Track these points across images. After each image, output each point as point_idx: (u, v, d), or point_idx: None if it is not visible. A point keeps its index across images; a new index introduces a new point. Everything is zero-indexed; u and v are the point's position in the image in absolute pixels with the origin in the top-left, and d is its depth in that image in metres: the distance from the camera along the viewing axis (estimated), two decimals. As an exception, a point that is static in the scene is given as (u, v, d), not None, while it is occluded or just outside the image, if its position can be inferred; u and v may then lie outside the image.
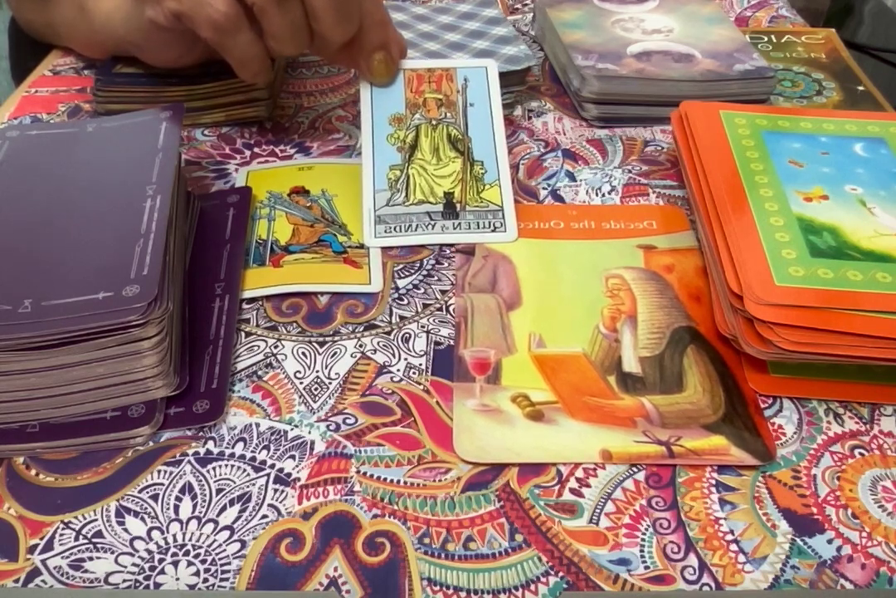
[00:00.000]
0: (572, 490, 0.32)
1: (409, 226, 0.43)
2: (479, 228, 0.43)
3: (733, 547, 0.30)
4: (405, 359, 0.37)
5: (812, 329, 0.33)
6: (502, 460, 0.32)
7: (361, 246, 0.43)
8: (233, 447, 0.33)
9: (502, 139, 0.45)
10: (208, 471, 0.32)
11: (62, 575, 0.29)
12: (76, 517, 0.31)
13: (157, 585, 0.29)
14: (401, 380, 0.36)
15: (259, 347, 0.38)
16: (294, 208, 0.45)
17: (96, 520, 0.31)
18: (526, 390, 0.35)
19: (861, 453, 0.33)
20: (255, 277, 0.40)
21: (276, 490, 0.32)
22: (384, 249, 0.43)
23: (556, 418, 0.34)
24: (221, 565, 0.29)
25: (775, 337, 0.33)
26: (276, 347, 0.38)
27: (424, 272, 0.42)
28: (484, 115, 0.46)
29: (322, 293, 0.40)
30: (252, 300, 0.40)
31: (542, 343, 0.37)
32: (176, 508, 0.31)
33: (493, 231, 0.43)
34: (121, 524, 0.30)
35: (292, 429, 0.34)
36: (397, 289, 0.41)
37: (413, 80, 0.46)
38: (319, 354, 0.37)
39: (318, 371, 0.36)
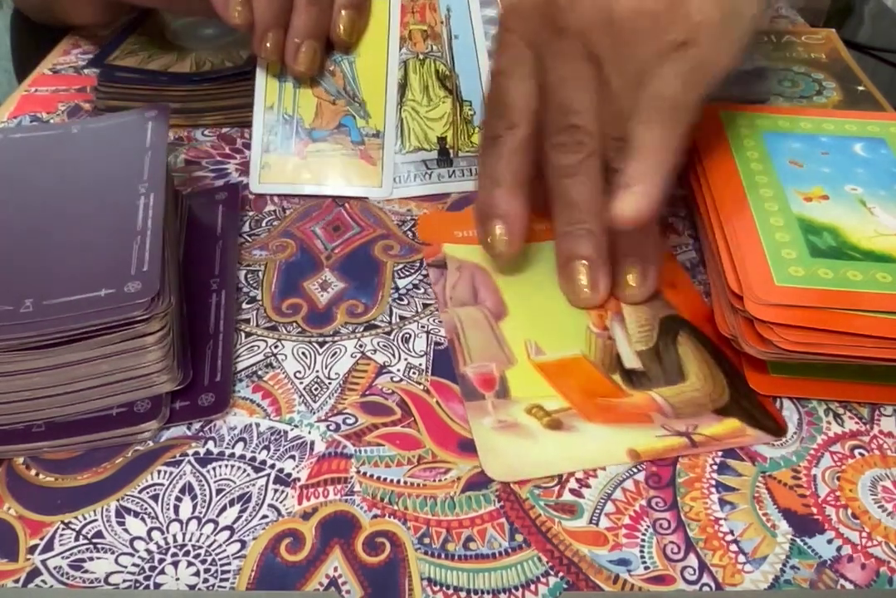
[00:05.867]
0: (572, 491, 0.32)
1: (407, 176, 0.44)
2: (472, 175, 0.44)
3: (733, 547, 0.30)
4: (405, 359, 0.37)
5: (812, 329, 0.33)
6: (535, 476, 0.32)
7: (377, 134, 0.44)
8: (233, 447, 0.33)
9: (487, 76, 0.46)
10: (208, 471, 0.32)
11: (62, 575, 0.29)
12: (76, 518, 0.31)
13: (157, 585, 0.29)
14: (401, 380, 0.36)
15: (259, 347, 0.38)
16: (319, 75, 0.45)
17: (96, 520, 0.31)
18: (538, 400, 0.35)
19: (861, 454, 0.33)
20: (277, 167, 0.42)
21: (276, 490, 0.32)
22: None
23: (575, 424, 0.34)
24: (221, 565, 0.29)
25: (775, 337, 0.33)
26: (276, 347, 0.38)
27: (424, 272, 0.42)
28: (468, 48, 0.45)
29: (334, 197, 0.43)
30: (252, 300, 0.40)
31: (541, 350, 0.37)
32: (176, 508, 0.31)
33: None
34: (121, 524, 0.30)
35: (292, 429, 0.34)
36: (397, 289, 0.41)
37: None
38: (319, 354, 0.37)
39: (318, 371, 0.36)
